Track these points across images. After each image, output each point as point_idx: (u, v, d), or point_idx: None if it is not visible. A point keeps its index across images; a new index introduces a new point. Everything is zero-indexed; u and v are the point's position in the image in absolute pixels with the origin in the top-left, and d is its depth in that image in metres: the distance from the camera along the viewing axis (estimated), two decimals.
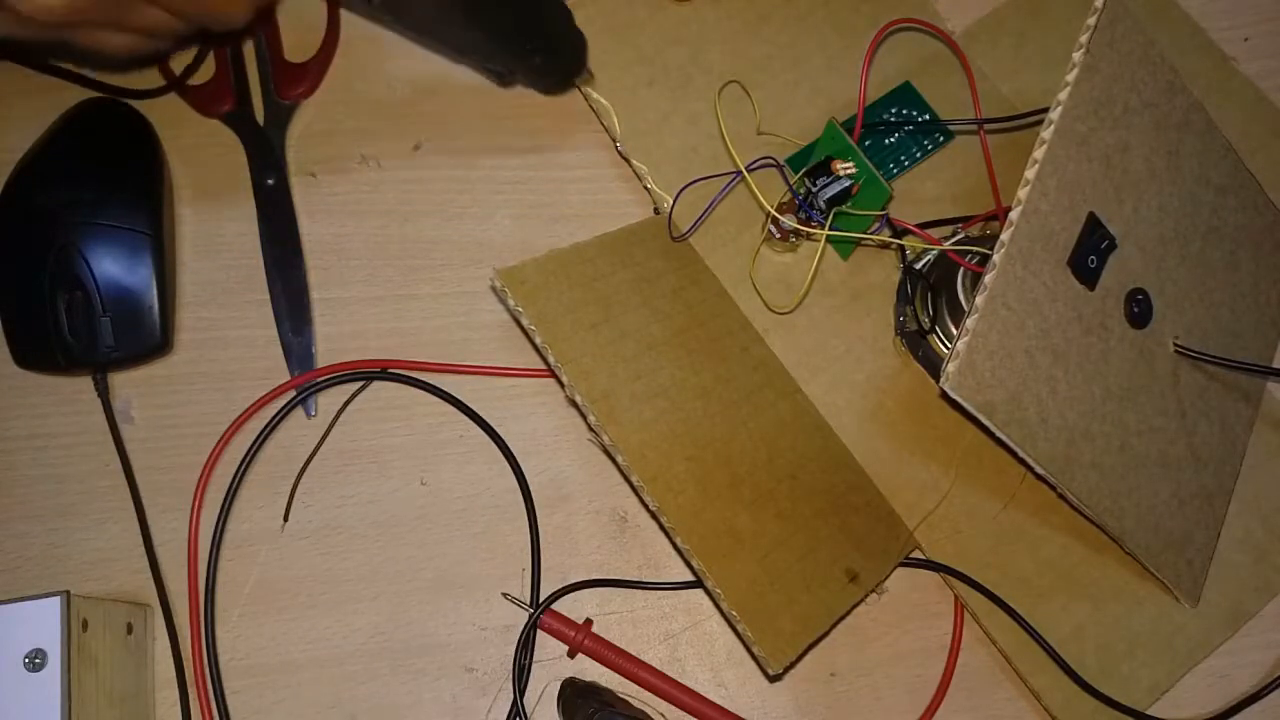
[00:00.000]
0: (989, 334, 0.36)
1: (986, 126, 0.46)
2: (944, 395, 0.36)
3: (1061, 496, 0.40)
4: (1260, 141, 0.49)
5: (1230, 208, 0.44)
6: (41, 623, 0.36)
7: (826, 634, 0.41)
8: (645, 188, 0.45)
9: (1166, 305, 0.42)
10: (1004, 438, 0.38)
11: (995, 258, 0.36)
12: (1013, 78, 0.49)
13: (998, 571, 0.43)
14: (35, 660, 0.36)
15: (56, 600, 0.36)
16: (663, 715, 0.42)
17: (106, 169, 0.44)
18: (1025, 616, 0.42)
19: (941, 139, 0.48)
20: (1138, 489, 0.41)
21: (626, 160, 0.46)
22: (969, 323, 0.36)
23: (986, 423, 0.37)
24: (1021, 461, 0.39)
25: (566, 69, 0.45)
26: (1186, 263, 0.43)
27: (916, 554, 0.44)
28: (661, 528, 0.42)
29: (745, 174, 0.42)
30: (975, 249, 0.42)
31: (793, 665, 0.41)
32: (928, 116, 0.48)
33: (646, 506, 0.40)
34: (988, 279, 0.36)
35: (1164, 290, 0.42)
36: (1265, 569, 0.45)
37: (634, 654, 0.43)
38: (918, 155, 0.47)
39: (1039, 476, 0.40)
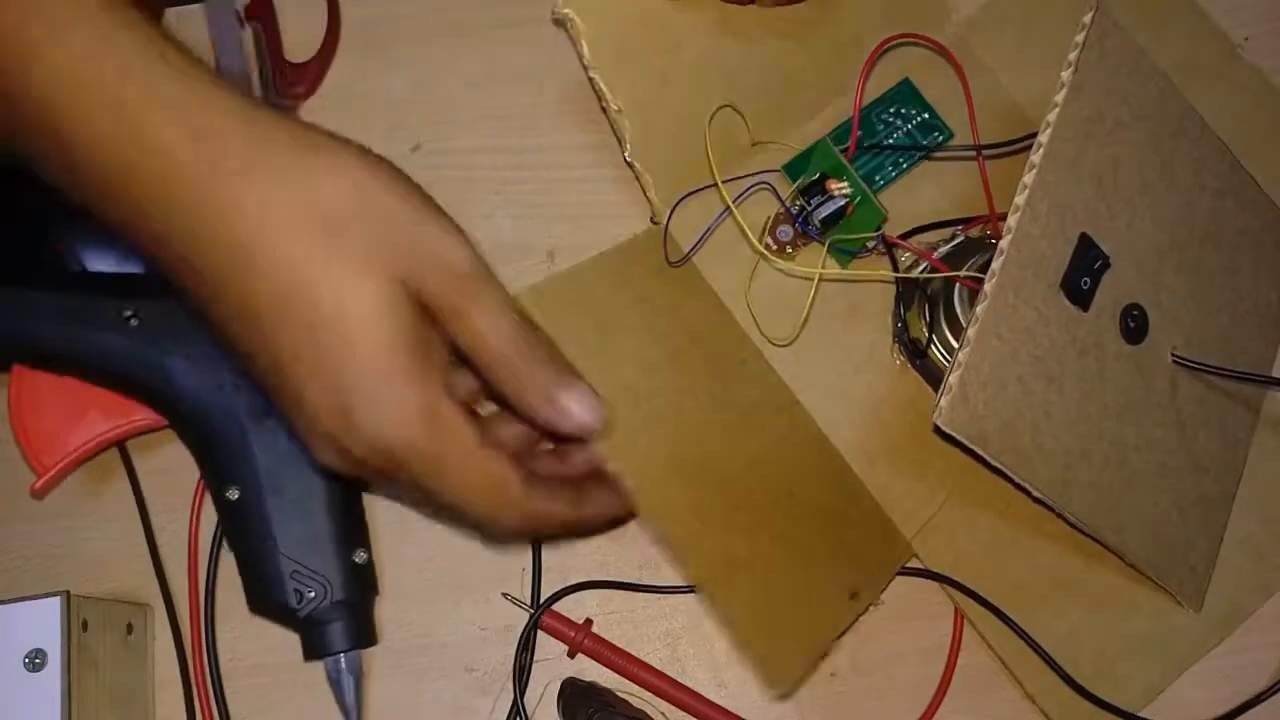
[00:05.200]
0: (981, 365, 0.36)
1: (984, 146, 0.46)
2: (937, 430, 0.36)
3: (1060, 516, 0.40)
4: (1266, 135, 0.48)
5: (1228, 211, 0.44)
6: (41, 623, 0.36)
7: None
8: (647, 198, 0.45)
9: (1163, 317, 0.42)
10: (999, 465, 0.37)
11: (986, 287, 0.36)
12: (1015, 68, 0.48)
13: (993, 578, 0.43)
14: (35, 660, 0.36)
15: (56, 600, 0.37)
16: (663, 715, 0.42)
17: None
18: (1021, 621, 0.42)
19: (941, 138, 0.48)
20: (1138, 503, 0.41)
21: (629, 165, 0.45)
22: (961, 356, 0.36)
23: (981, 453, 0.37)
24: (1019, 487, 0.39)
25: None
26: (1183, 272, 0.42)
27: (914, 563, 0.44)
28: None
29: (733, 209, 0.43)
30: (971, 275, 0.41)
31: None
32: (927, 115, 0.48)
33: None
34: (979, 310, 0.36)
35: (1160, 302, 0.41)
36: (1265, 569, 0.45)
37: (634, 654, 0.43)
38: (916, 157, 0.47)
39: (1036, 500, 0.39)
